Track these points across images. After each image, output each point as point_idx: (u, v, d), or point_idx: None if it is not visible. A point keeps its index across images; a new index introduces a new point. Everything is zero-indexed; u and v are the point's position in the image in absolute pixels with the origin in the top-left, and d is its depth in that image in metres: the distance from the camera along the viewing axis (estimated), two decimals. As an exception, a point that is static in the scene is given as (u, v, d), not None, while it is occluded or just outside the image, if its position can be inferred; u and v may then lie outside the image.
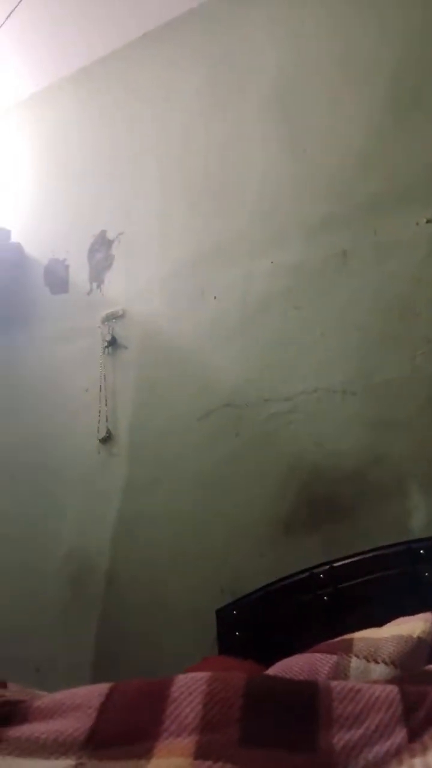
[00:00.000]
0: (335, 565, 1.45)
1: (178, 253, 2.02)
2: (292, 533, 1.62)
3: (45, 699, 0.55)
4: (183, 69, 2.20)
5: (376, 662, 0.74)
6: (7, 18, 2.28)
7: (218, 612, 1.59)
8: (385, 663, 0.74)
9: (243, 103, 2.01)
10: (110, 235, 2.21)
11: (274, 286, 1.81)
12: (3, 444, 2.20)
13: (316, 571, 1.47)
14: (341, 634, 1.14)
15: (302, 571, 1.49)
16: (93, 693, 0.54)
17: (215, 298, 1.91)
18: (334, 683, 0.56)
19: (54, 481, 2.06)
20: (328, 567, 1.46)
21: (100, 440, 2.00)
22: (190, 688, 0.54)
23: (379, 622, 1.11)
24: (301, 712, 0.52)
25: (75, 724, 0.51)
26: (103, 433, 2.00)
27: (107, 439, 2.00)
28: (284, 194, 1.85)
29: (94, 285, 2.22)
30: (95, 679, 1.78)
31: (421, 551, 1.36)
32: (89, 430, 2.03)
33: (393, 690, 0.56)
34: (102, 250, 2.23)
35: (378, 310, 1.64)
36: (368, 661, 0.74)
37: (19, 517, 2.11)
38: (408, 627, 0.83)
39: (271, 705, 0.53)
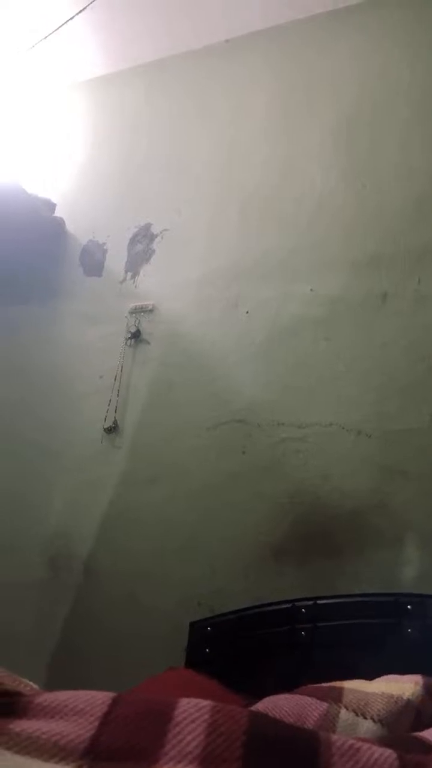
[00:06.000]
0: (319, 602, 1.44)
1: (219, 261, 2.02)
2: (280, 561, 1.61)
3: (46, 696, 0.54)
4: (258, 81, 2.21)
5: (365, 717, 0.73)
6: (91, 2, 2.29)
7: (192, 624, 1.57)
8: (373, 720, 0.73)
9: (312, 126, 2.02)
10: (155, 230, 2.21)
11: (309, 314, 1.81)
12: (11, 416, 2.18)
13: (298, 604, 1.46)
14: (312, 672, 1.13)
15: (285, 602, 1.48)
16: (96, 700, 0.53)
17: (247, 312, 1.91)
18: (334, 738, 0.56)
19: (51, 462, 2.04)
20: (311, 603, 1.45)
21: (105, 429, 1.99)
22: (193, 715, 0.53)
23: (353, 669, 1.10)
24: (302, 763, 0.52)
25: (77, 730, 0.50)
26: (109, 423, 1.99)
27: (112, 430, 1.99)
28: (337, 225, 1.86)
29: (129, 275, 2.22)
30: (53, 664, 1.78)
31: (409, 606, 1.35)
32: (96, 418, 2.02)
33: (391, 755, 0.55)
34: (143, 242, 2.23)
35: (407, 359, 1.64)
36: (357, 714, 0.73)
37: (8, 491, 2.09)
38: (398, 686, 0.82)
39: (272, 749, 0.52)
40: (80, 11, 2.29)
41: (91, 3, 2.26)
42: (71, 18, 2.32)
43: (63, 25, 2.34)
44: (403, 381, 1.63)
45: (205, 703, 0.55)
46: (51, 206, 2.44)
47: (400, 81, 1.92)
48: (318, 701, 0.75)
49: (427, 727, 0.73)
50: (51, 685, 0.61)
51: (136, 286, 2.17)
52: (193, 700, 0.55)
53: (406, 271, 1.73)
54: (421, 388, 1.60)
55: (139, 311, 2.11)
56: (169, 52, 2.45)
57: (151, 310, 2.10)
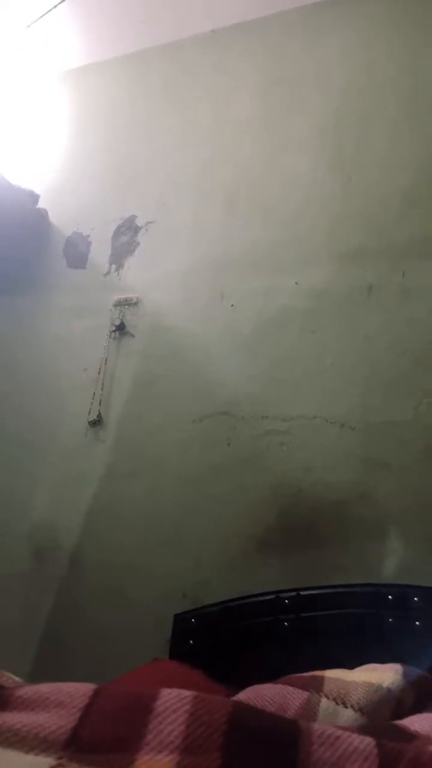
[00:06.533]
0: (302, 593, 1.46)
1: (204, 254, 2.01)
2: (264, 553, 1.61)
3: (27, 689, 0.54)
4: (244, 72, 2.20)
5: (345, 706, 0.74)
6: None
7: (176, 616, 1.58)
8: (353, 708, 0.74)
9: (299, 118, 2.02)
10: (139, 222, 2.20)
11: (294, 306, 1.81)
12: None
13: (282, 595, 1.47)
14: (295, 662, 1.14)
15: (268, 593, 1.49)
16: (78, 692, 0.53)
17: (232, 305, 1.91)
18: (314, 726, 0.56)
19: (35, 455, 2.03)
20: (294, 594, 1.46)
21: (89, 422, 1.98)
22: (174, 705, 0.54)
23: (336, 659, 1.11)
24: (282, 752, 0.52)
25: (58, 722, 0.50)
26: (93, 416, 1.98)
27: (96, 423, 1.98)
28: (323, 217, 1.86)
29: (113, 267, 2.20)
30: (38, 655, 1.78)
31: (390, 596, 1.36)
32: (80, 411, 2.00)
33: (371, 743, 0.56)
34: (128, 234, 2.21)
35: (392, 351, 1.65)
36: (337, 703, 0.74)
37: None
38: (378, 675, 0.83)
39: (253, 738, 0.53)
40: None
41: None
42: (55, 6, 2.28)
43: (47, 13, 2.30)
44: (386, 374, 1.64)
45: (187, 694, 0.56)
46: (34, 197, 2.41)
47: (387, 75, 1.92)
48: (300, 690, 0.75)
49: (407, 715, 0.75)
50: (35, 676, 0.61)
51: (120, 279, 2.16)
52: (175, 691, 0.56)
53: (391, 264, 1.74)
54: (405, 381, 1.61)
55: (124, 304, 2.10)
56: (154, 42, 2.43)
57: (135, 303, 2.09)
